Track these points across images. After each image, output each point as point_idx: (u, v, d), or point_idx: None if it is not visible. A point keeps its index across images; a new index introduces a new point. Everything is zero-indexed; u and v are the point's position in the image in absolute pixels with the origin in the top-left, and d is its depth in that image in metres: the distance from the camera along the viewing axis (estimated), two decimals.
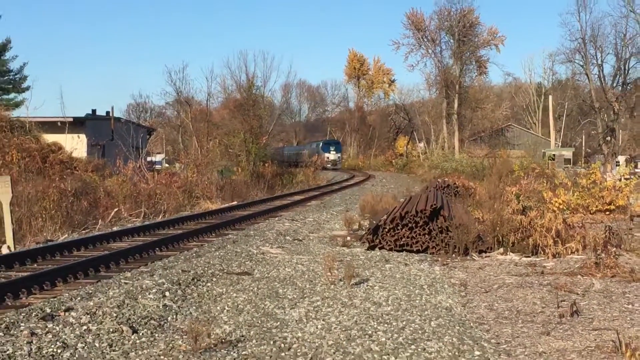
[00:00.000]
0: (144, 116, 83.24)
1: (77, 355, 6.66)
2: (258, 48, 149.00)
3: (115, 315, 7.95)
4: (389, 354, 6.65)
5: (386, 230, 14.01)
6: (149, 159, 46.36)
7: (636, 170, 44.31)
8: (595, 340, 7.15)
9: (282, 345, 6.98)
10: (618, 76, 60.26)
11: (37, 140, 30.44)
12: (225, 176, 36.02)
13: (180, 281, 9.97)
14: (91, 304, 8.33)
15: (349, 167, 79.48)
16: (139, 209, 22.34)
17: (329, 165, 74.09)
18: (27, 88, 59.92)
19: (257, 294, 9.51)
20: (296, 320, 8.09)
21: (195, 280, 10.23)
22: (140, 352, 6.80)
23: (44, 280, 10.18)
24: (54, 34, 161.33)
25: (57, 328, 7.32)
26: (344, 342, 7.05)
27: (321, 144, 78.87)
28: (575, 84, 70.93)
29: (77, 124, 35.01)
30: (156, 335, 7.48)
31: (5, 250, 14.19)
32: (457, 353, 6.69)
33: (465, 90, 60.14)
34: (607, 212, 20.46)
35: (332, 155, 76.84)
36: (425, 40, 60.72)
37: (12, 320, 7.60)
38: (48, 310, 8.07)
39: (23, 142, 28.90)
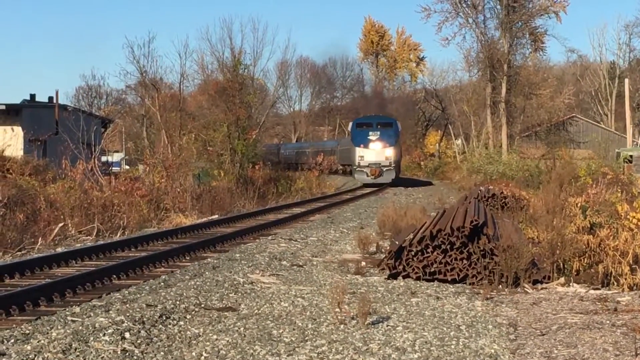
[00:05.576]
0: (97, 103, 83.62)
1: None
2: (246, 15, 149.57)
3: None
4: None
5: (412, 253, 14.00)
6: (104, 159, 46.42)
7: None
8: None
9: None
10: None
11: None
12: (203, 182, 36.06)
13: (145, 319, 9.97)
14: (28, 348, 8.33)
15: None
16: (90, 224, 22.35)
17: (367, 177, 50.25)
18: None
19: (244, 336, 9.51)
20: None
21: (164, 317, 10.22)
22: None
23: None
24: None
25: None
26: None
27: (352, 125, 54.29)
28: None
29: (10, 114, 35.14)
30: None
31: None
32: None
33: (516, 71, 60.07)
34: None
35: (370, 153, 50.59)
36: (464, 5, 60.68)
37: None
38: None
39: None
